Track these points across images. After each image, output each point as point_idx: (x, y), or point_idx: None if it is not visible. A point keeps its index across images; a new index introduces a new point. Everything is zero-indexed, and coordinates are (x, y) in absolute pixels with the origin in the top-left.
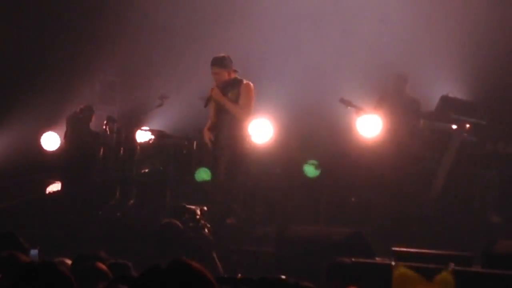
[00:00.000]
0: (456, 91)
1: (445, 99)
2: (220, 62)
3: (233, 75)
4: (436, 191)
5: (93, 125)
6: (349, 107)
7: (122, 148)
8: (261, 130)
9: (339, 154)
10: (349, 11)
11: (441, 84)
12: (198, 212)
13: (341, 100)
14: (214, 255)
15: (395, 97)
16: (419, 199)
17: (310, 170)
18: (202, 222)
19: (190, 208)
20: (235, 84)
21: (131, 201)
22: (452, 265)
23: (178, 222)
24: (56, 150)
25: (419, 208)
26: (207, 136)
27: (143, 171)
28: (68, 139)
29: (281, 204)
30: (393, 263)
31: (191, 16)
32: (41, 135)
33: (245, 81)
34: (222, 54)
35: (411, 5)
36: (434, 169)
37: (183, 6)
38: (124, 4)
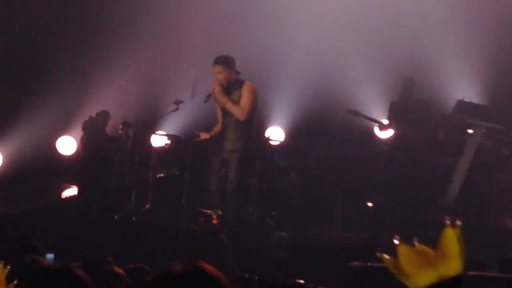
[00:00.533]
0: (472, 96)
1: (460, 104)
2: (223, 61)
3: (235, 76)
4: (452, 196)
5: (108, 129)
6: (357, 117)
7: (137, 153)
8: (274, 136)
9: (353, 159)
10: (362, 15)
11: (457, 89)
12: (214, 216)
13: (348, 111)
14: (231, 259)
15: (404, 101)
16: (434, 204)
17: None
18: (218, 226)
19: (205, 213)
20: (238, 85)
21: (147, 206)
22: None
23: (194, 226)
24: (72, 154)
25: (435, 213)
26: (203, 136)
27: (158, 175)
28: (83, 144)
29: (297, 208)
30: (396, 241)
31: (207, 22)
32: (57, 139)
33: (247, 82)
34: (225, 54)
35: (425, 7)
36: (450, 174)
37: (200, 12)
38: (141, 9)
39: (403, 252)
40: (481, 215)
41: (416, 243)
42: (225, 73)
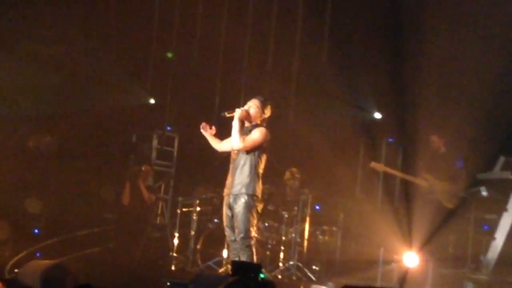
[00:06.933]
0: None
1: (504, 161)
2: (263, 100)
3: (260, 118)
4: (495, 254)
5: (150, 181)
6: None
7: (179, 204)
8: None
9: (396, 211)
10: None
11: (500, 145)
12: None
13: (373, 165)
14: None
15: (437, 159)
16: (475, 261)
17: None
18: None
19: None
20: (254, 127)
21: (189, 256)
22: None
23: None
24: (115, 205)
25: (476, 270)
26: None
27: (200, 226)
28: (128, 195)
29: (337, 261)
30: None
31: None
32: (101, 189)
33: (263, 127)
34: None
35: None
36: (493, 231)
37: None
38: (182, 56)
39: None
40: None
41: None
42: (256, 109)
